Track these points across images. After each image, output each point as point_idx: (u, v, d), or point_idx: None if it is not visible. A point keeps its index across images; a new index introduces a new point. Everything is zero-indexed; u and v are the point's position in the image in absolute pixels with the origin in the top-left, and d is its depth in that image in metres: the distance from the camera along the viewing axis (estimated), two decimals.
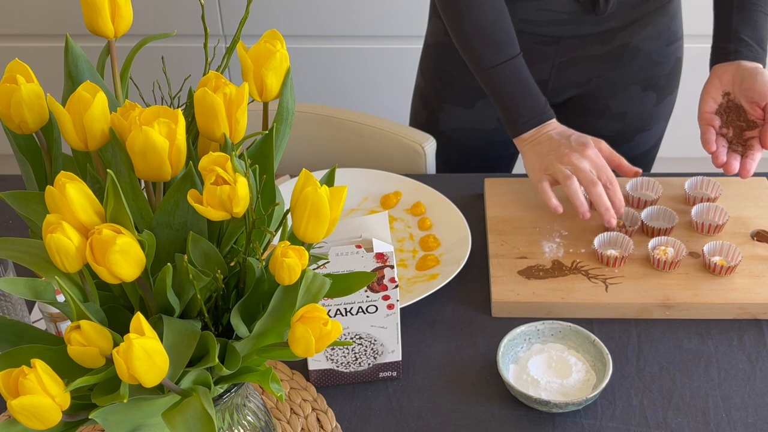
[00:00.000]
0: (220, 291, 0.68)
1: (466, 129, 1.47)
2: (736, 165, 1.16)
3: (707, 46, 1.25)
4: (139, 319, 0.59)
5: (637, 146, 1.47)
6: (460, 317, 1.11)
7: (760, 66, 1.18)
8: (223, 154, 0.63)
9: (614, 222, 1.13)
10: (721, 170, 1.18)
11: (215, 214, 0.62)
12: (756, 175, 1.30)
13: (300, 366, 1.04)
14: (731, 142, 1.19)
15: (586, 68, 1.37)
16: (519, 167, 1.63)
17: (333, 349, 0.98)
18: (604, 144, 1.18)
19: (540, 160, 1.18)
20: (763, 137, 1.15)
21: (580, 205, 1.13)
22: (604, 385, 0.96)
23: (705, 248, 1.13)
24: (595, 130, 1.46)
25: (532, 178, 1.20)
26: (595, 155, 1.15)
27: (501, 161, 1.54)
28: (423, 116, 1.52)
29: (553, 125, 1.21)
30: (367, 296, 0.94)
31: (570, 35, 1.32)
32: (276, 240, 0.72)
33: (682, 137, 2.47)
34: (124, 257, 0.60)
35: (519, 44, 1.22)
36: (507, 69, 1.20)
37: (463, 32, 1.22)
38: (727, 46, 1.19)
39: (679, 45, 1.42)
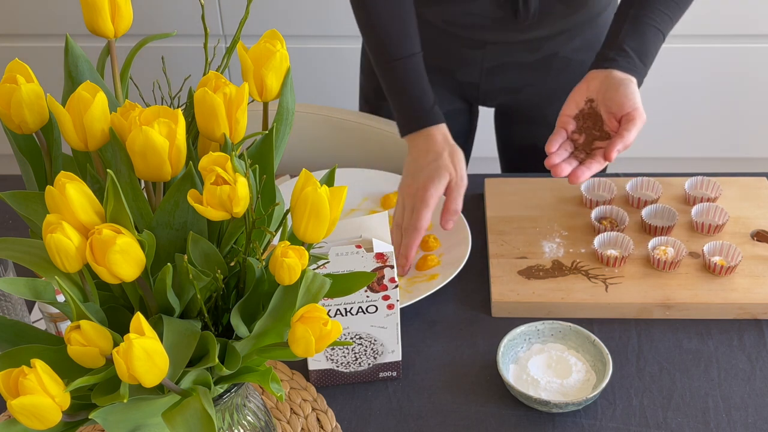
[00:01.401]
0: (220, 291, 0.68)
1: None
2: (566, 168, 1.11)
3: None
4: (139, 319, 0.59)
5: None
6: (460, 317, 1.11)
7: (632, 78, 1.13)
8: (223, 154, 0.63)
9: (403, 270, 1.14)
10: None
11: (215, 214, 0.62)
12: (756, 175, 1.30)
13: (300, 366, 1.04)
14: (577, 148, 1.14)
15: (515, 75, 1.37)
16: (485, 168, 1.63)
17: (333, 349, 0.98)
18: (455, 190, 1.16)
19: (404, 177, 1.19)
20: (607, 150, 1.09)
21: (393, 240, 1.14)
22: (604, 385, 0.96)
23: (705, 248, 1.13)
24: (537, 139, 1.45)
25: None
26: (421, 196, 1.14)
27: None
28: None
29: (434, 136, 1.19)
30: (367, 296, 0.94)
31: (495, 41, 1.31)
32: (276, 240, 0.72)
33: (682, 137, 2.47)
34: (124, 257, 0.60)
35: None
36: (401, 67, 1.20)
37: (367, 26, 1.23)
38: (606, 53, 1.16)
39: None
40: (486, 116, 1.56)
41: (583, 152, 1.13)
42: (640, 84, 1.14)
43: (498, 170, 1.63)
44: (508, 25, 1.27)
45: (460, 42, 1.32)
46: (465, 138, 1.54)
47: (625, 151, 1.09)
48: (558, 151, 1.13)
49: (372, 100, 1.50)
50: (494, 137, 1.57)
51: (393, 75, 1.21)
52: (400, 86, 1.21)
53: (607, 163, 1.10)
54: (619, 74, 1.13)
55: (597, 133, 1.13)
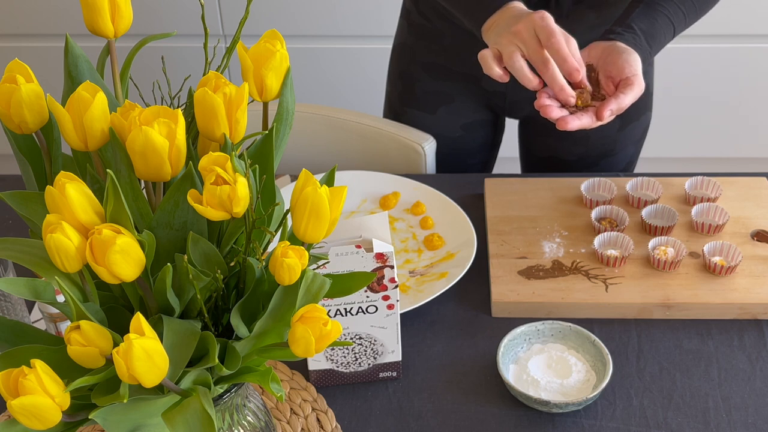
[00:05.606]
0: (220, 291, 0.68)
1: (431, 135, 1.47)
2: (557, 112, 1.05)
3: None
4: (139, 319, 0.59)
5: (603, 171, 1.45)
6: (460, 317, 1.11)
7: (636, 52, 1.09)
8: (223, 154, 0.63)
9: (572, 101, 1.05)
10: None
11: (215, 214, 0.62)
12: (756, 175, 1.30)
13: (300, 366, 1.04)
14: (570, 105, 1.08)
15: None
16: (500, 169, 1.63)
17: (333, 349, 0.98)
18: (573, 42, 1.06)
19: (494, 38, 1.09)
20: (600, 108, 1.04)
21: (528, 82, 1.05)
22: (604, 385, 0.96)
23: (705, 248, 1.13)
24: (558, 152, 1.45)
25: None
26: (540, 19, 1.04)
27: (471, 169, 1.53)
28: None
29: (516, 6, 1.10)
30: (367, 296, 0.94)
31: None
32: (276, 240, 0.72)
33: (682, 137, 2.47)
34: (124, 257, 0.60)
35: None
36: None
37: None
38: (613, 29, 1.13)
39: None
40: (509, 122, 1.56)
41: (575, 108, 1.08)
42: (642, 64, 1.10)
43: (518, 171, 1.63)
44: None
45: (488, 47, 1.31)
46: (489, 151, 1.54)
47: (618, 113, 1.05)
48: (550, 98, 1.07)
49: (396, 107, 1.49)
50: (517, 142, 1.56)
51: None
52: None
53: (599, 123, 1.05)
54: (622, 45, 1.10)
55: (592, 96, 1.09)
